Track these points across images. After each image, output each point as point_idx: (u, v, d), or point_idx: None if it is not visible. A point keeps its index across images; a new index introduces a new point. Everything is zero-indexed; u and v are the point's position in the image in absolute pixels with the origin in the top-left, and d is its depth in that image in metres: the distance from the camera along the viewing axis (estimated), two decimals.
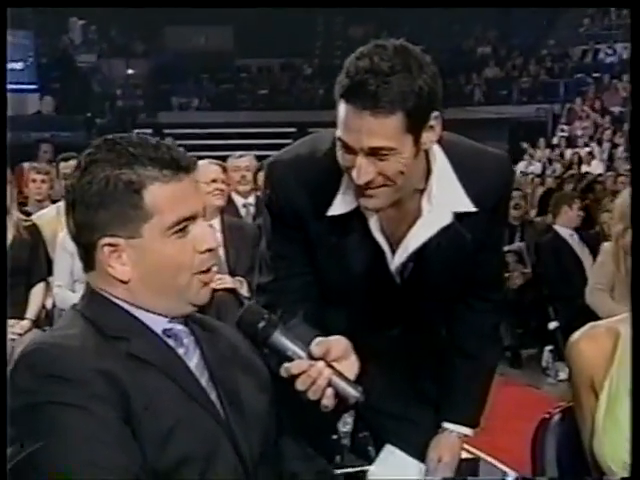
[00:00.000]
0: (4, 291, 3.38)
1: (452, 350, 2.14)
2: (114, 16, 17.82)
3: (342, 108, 1.73)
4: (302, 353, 1.49)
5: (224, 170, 4.79)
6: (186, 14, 16.80)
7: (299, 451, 1.63)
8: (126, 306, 1.47)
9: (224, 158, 5.69)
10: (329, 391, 1.47)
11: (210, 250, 1.49)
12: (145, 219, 1.43)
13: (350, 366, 1.51)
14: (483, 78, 18.85)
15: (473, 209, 1.91)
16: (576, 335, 1.91)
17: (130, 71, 18.71)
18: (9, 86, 15.44)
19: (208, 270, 1.50)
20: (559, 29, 19.53)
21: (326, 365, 1.48)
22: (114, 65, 18.42)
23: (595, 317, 2.05)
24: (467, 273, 2.02)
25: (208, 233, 1.50)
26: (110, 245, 1.44)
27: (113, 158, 1.43)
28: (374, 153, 1.72)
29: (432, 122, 1.76)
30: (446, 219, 1.90)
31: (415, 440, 2.15)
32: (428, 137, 1.77)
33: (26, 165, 6.33)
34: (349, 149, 1.74)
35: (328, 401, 1.47)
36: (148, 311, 1.48)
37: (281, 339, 1.50)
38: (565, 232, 6.49)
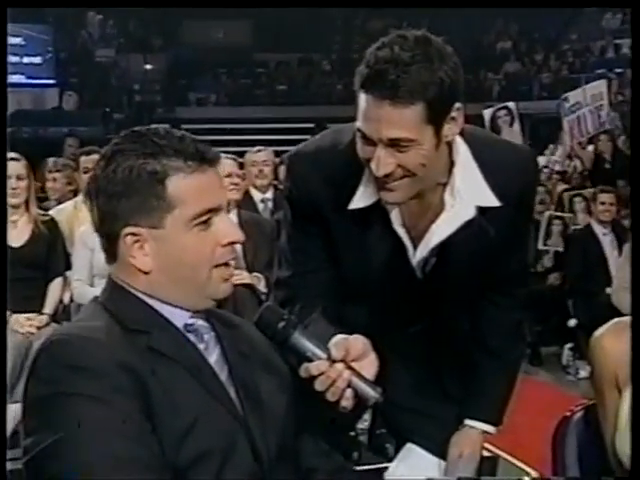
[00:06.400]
0: (4, 291, 3.38)
1: (475, 346, 2.12)
2: (131, 11, 17.86)
3: (362, 98, 1.70)
4: (321, 354, 1.48)
5: (239, 165, 4.79)
6: (204, 8, 16.81)
7: (317, 447, 1.63)
8: (147, 299, 1.47)
9: (242, 153, 5.69)
10: (348, 392, 1.46)
11: (233, 243, 1.48)
12: (168, 210, 1.43)
13: (369, 365, 1.51)
14: (503, 73, 18.75)
15: (497, 203, 1.88)
16: (600, 331, 1.89)
17: (148, 66, 18.70)
18: (28, 81, 15.57)
19: (227, 264, 1.49)
20: (581, 24, 19.39)
21: (345, 366, 1.46)
22: (132, 60, 18.43)
23: (615, 314, 2.02)
24: (490, 268, 2.00)
25: (231, 226, 1.50)
26: (132, 235, 1.43)
27: (138, 148, 1.43)
28: (394, 144, 1.69)
29: (453, 114, 1.73)
30: (469, 213, 1.87)
31: (437, 436, 2.13)
32: (450, 129, 1.74)
33: (50, 161, 6.37)
34: (368, 140, 1.72)
35: (347, 402, 1.47)
36: (169, 304, 1.48)
37: (300, 340, 1.48)
38: (599, 229, 6.46)
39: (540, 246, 7.01)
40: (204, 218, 1.44)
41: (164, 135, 1.46)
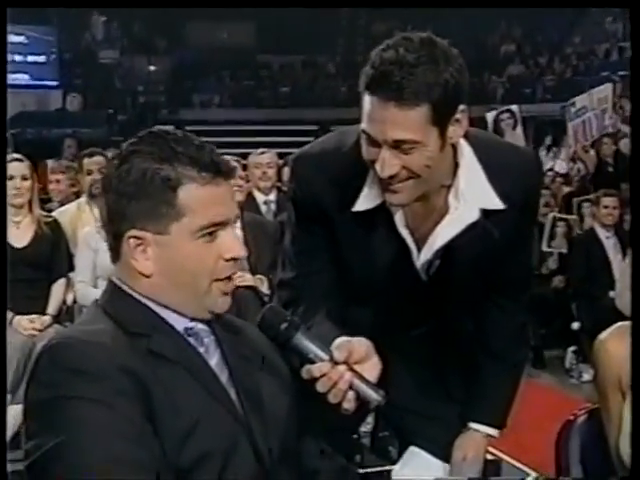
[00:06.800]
0: (4, 291, 3.38)
1: (479, 349, 2.12)
2: (136, 12, 17.88)
3: (366, 100, 1.70)
4: (324, 355, 1.47)
5: (243, 166, 4.79)
6: (208, 10, 16.82)
7: (319, 448, 1.62)
8: (148, 302, 1.47)
9: (245, 155, 5.70)
10: (350, 394, 1.46)
11: (235, 259, 1.48)
12: (176, 218, 1.42)
13: (372, 368, 1.50)
14: (507, 76, 18.76)
15: (501, 206, 1.87)
16: (603, 334, 1.90)
17: (152, 67, 18.77)
18: (32, 82, 15.60)
19: (228, 278, 1.49)
20: (585, 26, 19.39)
21: (348, 368, 1.46)
22: (136, 61, 18.50)
23: (619, 318, 2.02)
24: (494, 271, 1.99)
25: (236, 241, 1.49)
26: (136, 238, 1.43)
27: (154, 151, 1.43)
28: (398, 146, 1.69)
29: (458, 115, 1.73)
30: (473, 216, 1.87)
31: (440, 439, 2.13)
32: (454, 131, 1.74)
33: (50, 162, 6.40)
34: (373, 142, 1.72)
35: (349, 404, 1.46)
36: (169, 309, 1.47)
37: (303, 341, 1.48)
38: (602, 233, 6.45)
39: (544, 248, 7.02)
40: (210, 230, 1.44)
41: (182, 141, 1.45)
